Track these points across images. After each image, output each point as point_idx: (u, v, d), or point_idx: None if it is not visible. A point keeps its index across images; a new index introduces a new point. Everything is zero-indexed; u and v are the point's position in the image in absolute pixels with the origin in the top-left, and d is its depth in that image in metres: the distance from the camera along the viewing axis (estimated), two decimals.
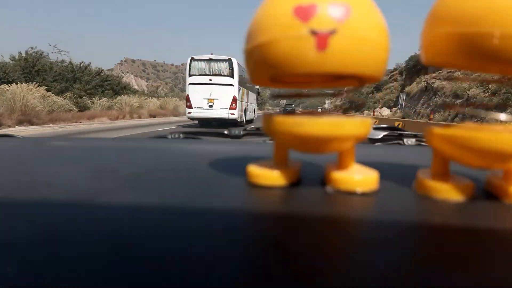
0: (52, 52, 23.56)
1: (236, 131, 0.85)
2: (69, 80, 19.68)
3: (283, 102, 43.91)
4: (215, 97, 12.25)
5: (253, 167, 0.31)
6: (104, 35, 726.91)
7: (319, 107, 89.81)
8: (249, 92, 15.96)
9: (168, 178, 0.36)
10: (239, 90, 12.76)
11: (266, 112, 0.32)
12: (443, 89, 24.22)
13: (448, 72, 26.35)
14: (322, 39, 0.22)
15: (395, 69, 54.22)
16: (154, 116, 21.13)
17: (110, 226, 0.22)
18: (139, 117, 19.56)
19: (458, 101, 20.37)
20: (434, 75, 27.22)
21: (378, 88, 47.31)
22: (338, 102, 72.66)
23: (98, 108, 18.07)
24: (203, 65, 12.52)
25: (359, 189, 0.28)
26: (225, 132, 0.85)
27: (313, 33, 0.22)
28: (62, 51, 22.35)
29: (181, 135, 0.87)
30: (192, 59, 12.53)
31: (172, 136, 0.87)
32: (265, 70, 0.25)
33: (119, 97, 20.62)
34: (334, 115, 0.27)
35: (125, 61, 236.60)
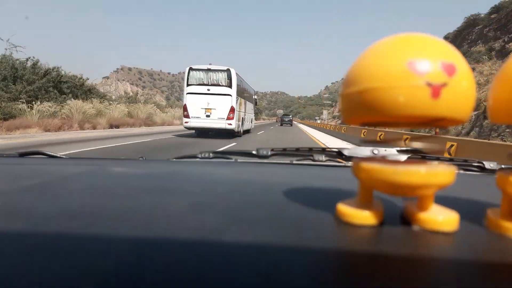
0: (6, 49, 18.60)
1: (264, 151, 0.85)
2: (6, 78, 15.14)
3: (280, 112, 44.31)
4: (213, 107, 12.27)
5: (344, 206, 0.33)
6: (100, 42, 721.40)
7: (316, 117, 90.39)
8: (247, 102, 16.02)
9: (260, 214, 0.37)
10: (236, 100, 12.79)
11: (356, 157, 0.34)
12: None
13: None
14: (436, 90, 0.25)
15: None
16: (117, 127, 17.46)
17: (244, 265, 0.24)
18: (94, 127, 15.69)
19: (473, 113, 19.65)
20: None
21: None
22: (336, 113, 73.55)
23: (35, 115, 13.84)
24: (201, 75, 12.56)
25: (444, 228, 0.30)
26: (254, 152, 0.86)
27: (429, 84, 0.25)
28: (17, 46, 17.22)
29: (211, 154, 0.88)
30: (191, 68, 12.58)
31: (202, 155, 0.87)
32: (372, 112, 0.27)
33: (69, 102, 16.36)
34: (422, 163, 0.30)
35: (121, 69, 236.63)
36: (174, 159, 0.90)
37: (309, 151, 0.86)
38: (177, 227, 0.33)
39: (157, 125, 22.79)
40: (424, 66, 0.26)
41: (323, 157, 0.82)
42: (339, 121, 54.76)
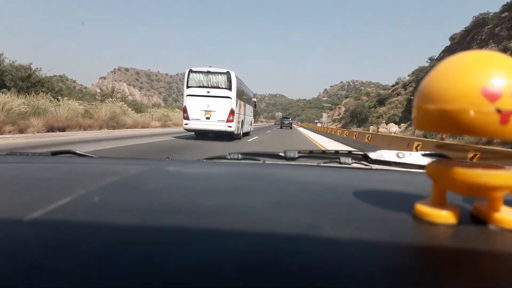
0: None
1: (291, 153, 0.85)
2: None
3: (279, 114, 44.50)
4: (213, 109, 12.28)
5: (422, 206, 0.35)
6: (97, 42, 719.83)
7: (315, 120, 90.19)
8: (246, 104, 16.02)
9: (345, 213, 0.39)
10: (236, 103, 12.81)
11: (441, 160, 0.35)
12: None
13: None
14: (505, 117, 0.27)
15: (397, 83, 54.70)
16: (63, 129, 13.28)
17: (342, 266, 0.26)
18: (21, 131, 11.31)
19: None
20: None
21: (381, 102, 47.10)
22: (336, 116, 73.38)
23: None
24: (201, 77, 12.57)
25: None
26: (281, 154, 0.86)
27: (498, 111, 0.27)
28: None
29: (239, 155, 0.89)
30: (191, 71, 12.58)
31: (231, 156, 0.88)
32: (444, 128, 0.30)
33: None
34: (498, 168, 0.31)
35: (118, 69, 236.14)
36: (205, 160, 0.90)
37: (335, 154, 0.87)
38: (275, 223, 0.34)
39: (126, 127, 17.87)
40: (496, 93, 0.27)
41: (349, 160, 0.83)
42: (340, 125, 54.78)
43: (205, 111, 12.35)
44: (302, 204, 0.43)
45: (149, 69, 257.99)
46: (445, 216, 0.33)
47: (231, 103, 12.43)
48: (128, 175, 0.59)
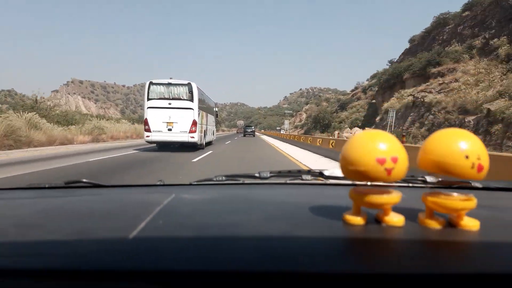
0: None
1: (264, 173, 1.03)
2: None
3: (241, 123, 44.29)
4: (175, 120, 12.32)
5: (346, 215, 0.55)
6: (48, 54, 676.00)
7: (277, 128, 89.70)
8: (208, 114, 16.17)
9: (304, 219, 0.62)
10: (198, 114, 12.95)
11: (355, 188, 0.56)
12: (440, 103, 20.32)
13: (441, 84, 22.60)
14: (389, 171, 0.46)
15: (356, 88, 55.65)
16: None
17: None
18: None
19: (471, 118, 16.64)
20: (421, 88, 24.31)
21: (342, 107, 47.26)
22: (298, 122, 74.02)
23: None
24: (162, 89, 12.57)
25: (398, 224, 0.53)
26: (256, 174, 1.04)
27: (385, 169, 0.46)
28: None
29: (223, 177, 1.06)
30: (151, 83, 12.54)
31: (217, 179, 1.06)
32: (358, 178, 0.49)
33: None
34: (388, 192, 0.52)
35: (72, 81, 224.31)
36: (195, 183, 1.06)
37: (298, 173, 1.06)
38: (267, 230, 0.54)
39: (33, 145, 13.35)
40: (382, 159, 0.46)
41: (309, 177, 1.03)
42: (302, 131, 54.85)
43: (167, 122, 12.36)
44: (279, 217, 0.64)
45: (104, 81, 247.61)
46: (358, 220, 0.53)
47: (193, 114, 12.55)
48: (161, 205, 0.71)
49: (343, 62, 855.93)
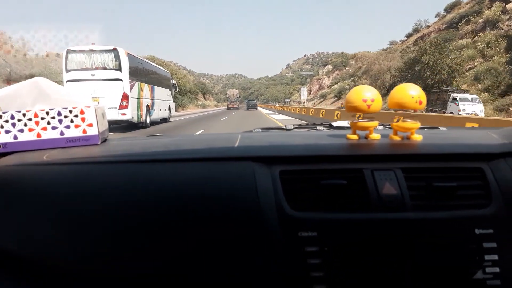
0: None
1: (289, 126, 1.42)
2: None
3: (234, 92, 41.64)
4: (101, 95, 10.20)
5: (348, 135, 0.80)
6: None
7: (286, 99, 75.86)
8: (156, 87, 14.00)
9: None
10: (132, 86, 10.87)
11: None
12: None
13: None
14: (369, 106, 0.72)
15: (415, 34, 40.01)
16: None
17: None
18: None
19: None
20: None
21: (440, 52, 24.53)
22: (324, 90, 61.06)
23: None
24: (83, 57, 10.45)
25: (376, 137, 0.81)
26: (283, 127, 1.43)
27: (367, 105, 0.72)
28: None
29: (260, 130, 1.37)
30: (69, 51, 10.43)
31: (255, 130, 1.35)
32: (351, 111, 0.75)
33: None
34: (370, 121, 0.78)
35: None
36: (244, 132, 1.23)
37: (314, 125, 1.39)
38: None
39: None
40: (365, 99, 0.72)
41: (322, 128, 1.32)
42: (334, 103, 41.73)
43: (92, 98, 10.24)
44: (309, 138, 0.89)
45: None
46: (354, 137, 0.78)
47: (123, 86, 10.47)
48: (238, 136, 0.92)
49: (351, 23, 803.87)
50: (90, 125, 0.78)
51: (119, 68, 10.45)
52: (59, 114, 0.76)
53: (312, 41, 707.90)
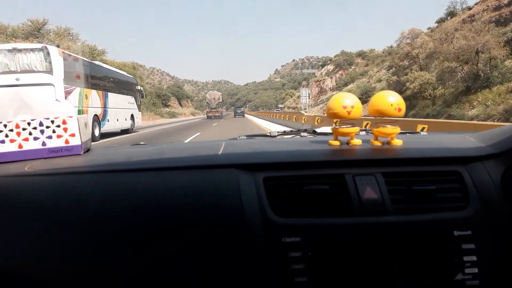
0: None
1: (274, 133, 1.41)
2: None
3: (215, 96, 36.85)
4: None
5: (330, 141, 0.83)
6: None
7: (279, 106, 64.60)
8: (111, 94, 12.22)
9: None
10: (69, 92, 9.05)
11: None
12: None
13: None
14: (348, 113, 0.75)
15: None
16: None
17: None
18: None
19: None
20: None
21: None
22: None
23: None
24: (5, 58, 8.70)
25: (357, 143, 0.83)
26: (268, 134, 1.44)
27: (347, 111, 0.75)
28: None
29: (245, 137, 1.35)
30: None
31: (240, 138, 1.34)
32: (332, 117, 0.77)
33: None
34: (351, 127, 0.80)
35: None
36: (230, 139, 1.22)
37: (298, 131, 1.39)
38: None
39: None
40: (345, 107, 0.75)
41: (305, 134, 1.31)
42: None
43: None
44: (295, 144, 0.91)
45: None
46: (336, 143, 0.79)
47: (55, 93, 8.68)
48: (223, 143, 0.94)
49: (338, 26, 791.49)
50: (73, 135, 0.78)
51: (49, 71, 8.67)
52: (40, 124, 0.76)
53: (301, 45, 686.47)
